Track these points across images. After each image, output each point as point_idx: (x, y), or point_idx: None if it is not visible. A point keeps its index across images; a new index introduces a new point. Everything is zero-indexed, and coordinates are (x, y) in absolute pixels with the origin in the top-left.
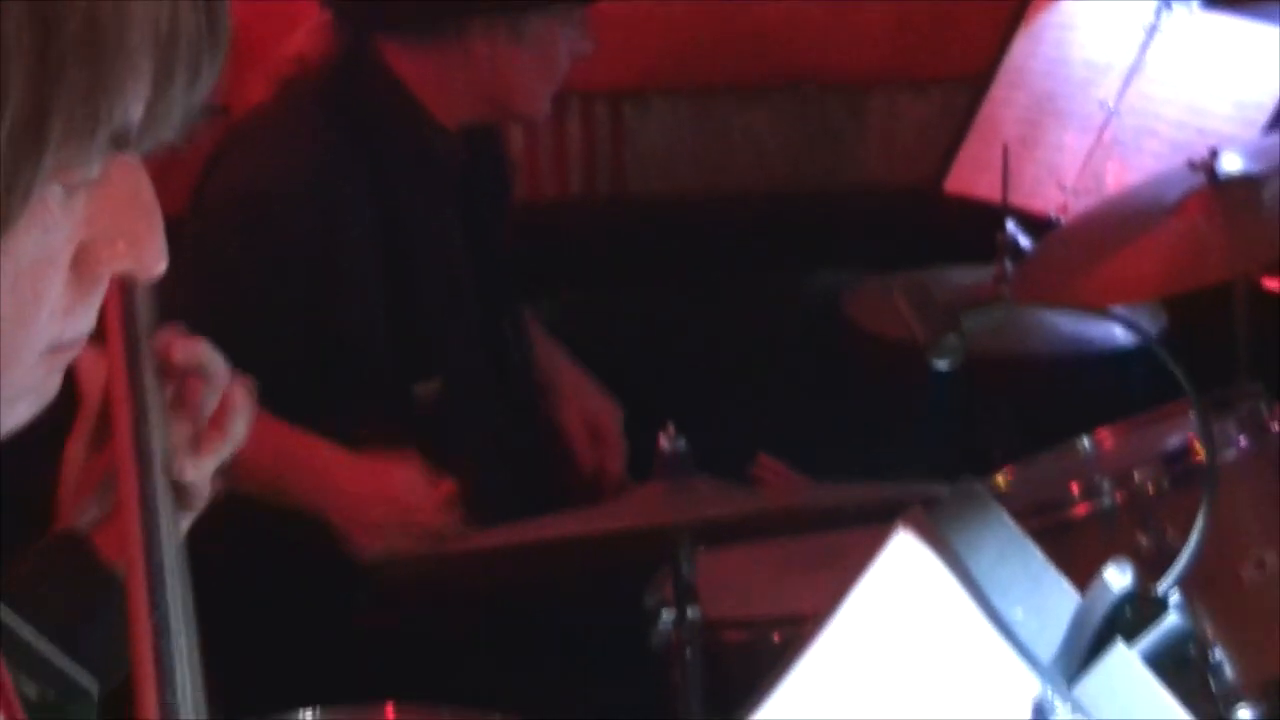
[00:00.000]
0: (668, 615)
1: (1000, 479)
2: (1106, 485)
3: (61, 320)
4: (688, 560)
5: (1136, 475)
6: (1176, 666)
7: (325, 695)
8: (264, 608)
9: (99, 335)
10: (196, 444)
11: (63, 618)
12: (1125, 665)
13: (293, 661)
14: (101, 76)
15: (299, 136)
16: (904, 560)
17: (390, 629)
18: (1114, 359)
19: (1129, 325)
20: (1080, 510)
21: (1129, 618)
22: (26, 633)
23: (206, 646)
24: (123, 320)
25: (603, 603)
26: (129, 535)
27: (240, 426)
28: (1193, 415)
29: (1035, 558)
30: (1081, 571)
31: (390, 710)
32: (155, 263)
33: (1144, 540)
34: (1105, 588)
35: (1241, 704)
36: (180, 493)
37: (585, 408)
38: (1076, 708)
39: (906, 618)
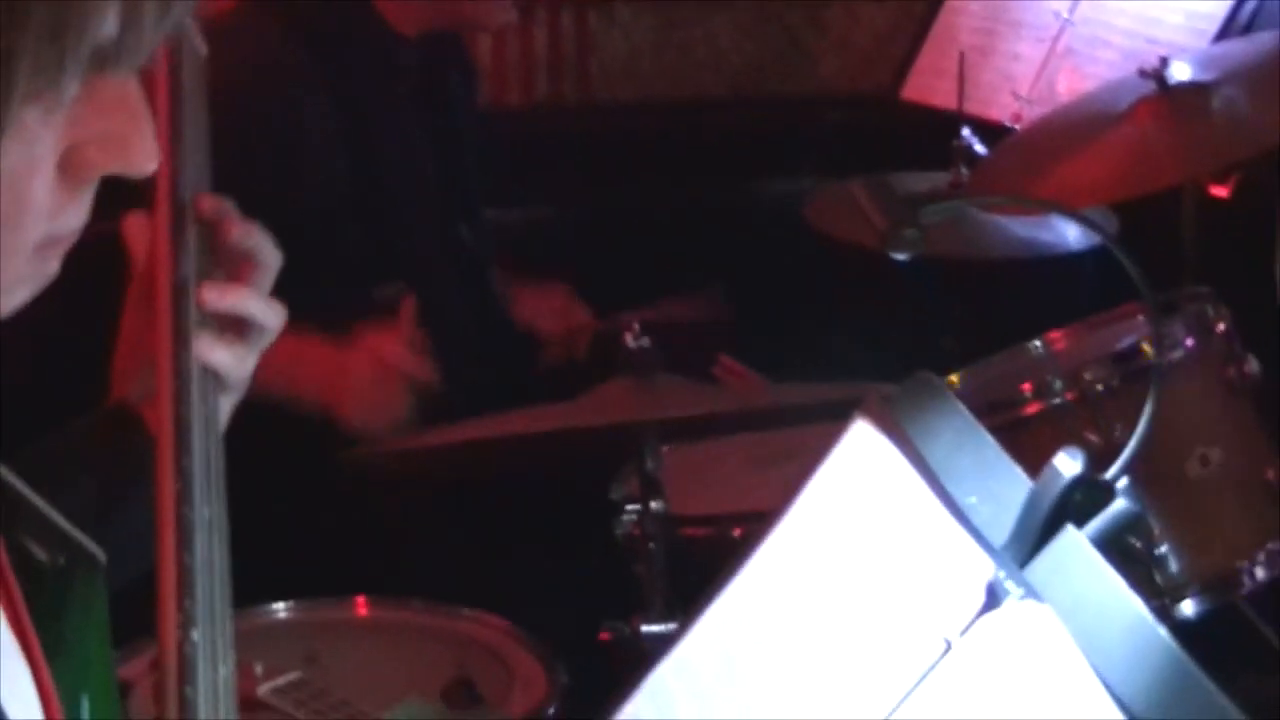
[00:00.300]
0: (633, 509)
1: (953, 379)
2: (1058, 385)
3: (52, 219)
4: (653, 456)
5: (1087, 374)
6: (1124, 557)
7: (299, 589)
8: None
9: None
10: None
11: (105, 486)
12: (1075, 548)
13: (268, 556)
14: (64, 15)
15: (261, 41)
16: (861, 450)
17: (363, 524)
18: (1065, 262)
19: (1087, 223)
20: (1032, 409)
21: (1079, 502)
22: (36, 499)
23: None
24: (170, 190)
25: (570, 496)
26: (161, 405)
27: (278, 318)
28: (1141, 317)
29: (989, 446)
30: (1034, 469)
31: (362, 603)
32: (144, 163)
33: (1094, 437)
34: (1056, 474)
35: (1186, 597)
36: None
37: (548, 296)
38: (1028, 590)
39: (863, 507)
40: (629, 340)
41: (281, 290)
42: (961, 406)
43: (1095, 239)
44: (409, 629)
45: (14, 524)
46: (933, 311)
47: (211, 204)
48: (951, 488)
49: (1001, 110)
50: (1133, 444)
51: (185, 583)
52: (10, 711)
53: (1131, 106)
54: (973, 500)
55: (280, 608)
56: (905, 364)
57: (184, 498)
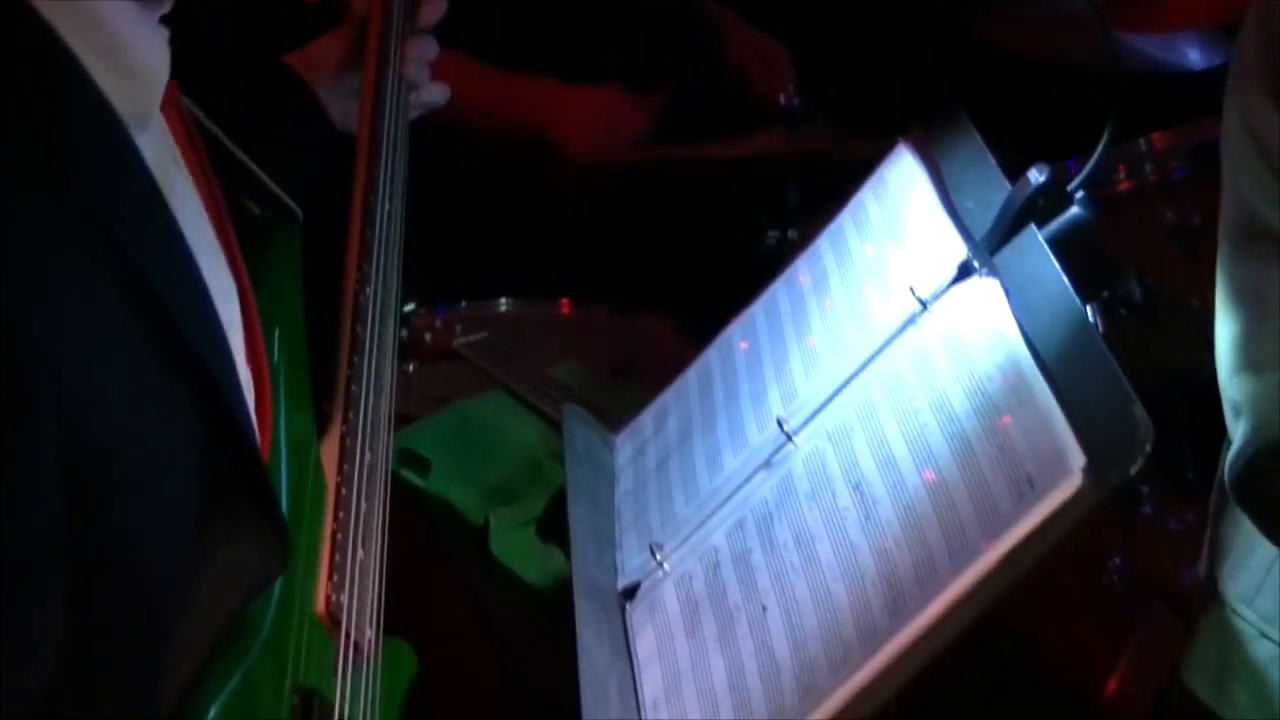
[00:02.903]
0: (774, 233)
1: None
2: (1147, 168)
3: None
4: (794, 190)
5: (1171, 163)
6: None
7: (509, 289)
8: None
9: None
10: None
11: (285, 151)
12: (1033, 243)
13: (483, 259)
14: None
15: None
16: (899, 169)
17: (564, 234)
18: (1188, 79)
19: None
20: (1124, 186)
21: (1041, 206)
22: (249, 161)
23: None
24: None
25: (725, 219)
26: (363, 105)
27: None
28: None
29: (992, 168)
30: (1119, 238)
31: (565, 303)
32: None
33: (1169, 213)
34: (1027, 182)
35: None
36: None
37: (755, 43)
38: (990, 269)
39: (889, 209)
40: (782, 99)
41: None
42: (976, 136)
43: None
44: (598, 324)
45: (231, 182)
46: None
47: None
48: (957, 197)
49: None
50: (1093, 160)
51: (364, 252)
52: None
53: None
54: (970, 204)
55: (504, 301)
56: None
57: (370, 189)
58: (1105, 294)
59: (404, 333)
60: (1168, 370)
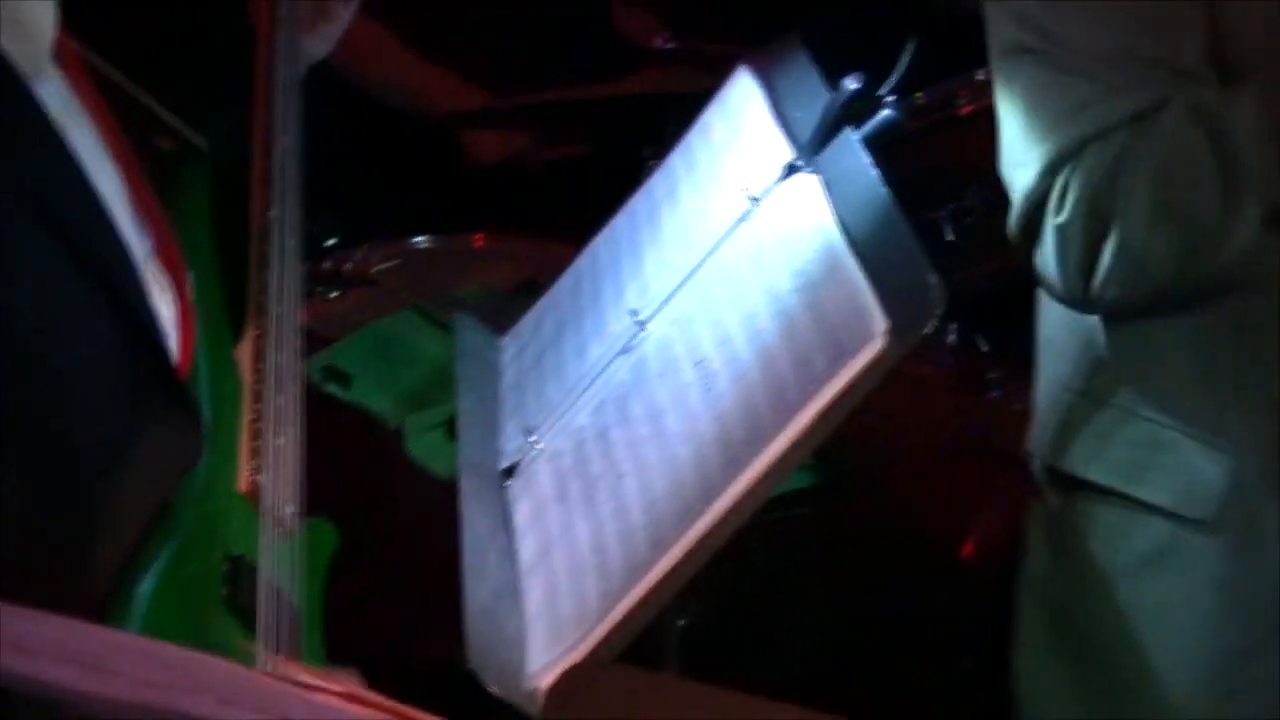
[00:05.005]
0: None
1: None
2: (988, 93)
3: None
4: (674, 122)
5: None
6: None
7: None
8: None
9: None
10: None
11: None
12: (850, 144)
13: (406, 200)
14: None
15: None
16: (740, 90)
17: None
18: None
19: None
20: (966, 110)
21: (855, 110)
22: (149, 99)
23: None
24: None
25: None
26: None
27: None
28: None
29: (816, 81)
30: (967, 156)
31: (479, 237)
32: None
33: None
34: (842, 89)
35: None
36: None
37: None
38: (813, 167)
39: (729, 126)
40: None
41: None
42: (805, 56)
43: None
44: (505, 252)
45: (134, 120)
46: None
47: None
48: (788, 109)
49: None
50: (899, 68)
51: (266, 180)
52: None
53: None
54: (798, 115)
55: (421, 239)
56: None
57: (269, 126)
58: (953, 205)
59: (328, 264)
60: (1008, 270)
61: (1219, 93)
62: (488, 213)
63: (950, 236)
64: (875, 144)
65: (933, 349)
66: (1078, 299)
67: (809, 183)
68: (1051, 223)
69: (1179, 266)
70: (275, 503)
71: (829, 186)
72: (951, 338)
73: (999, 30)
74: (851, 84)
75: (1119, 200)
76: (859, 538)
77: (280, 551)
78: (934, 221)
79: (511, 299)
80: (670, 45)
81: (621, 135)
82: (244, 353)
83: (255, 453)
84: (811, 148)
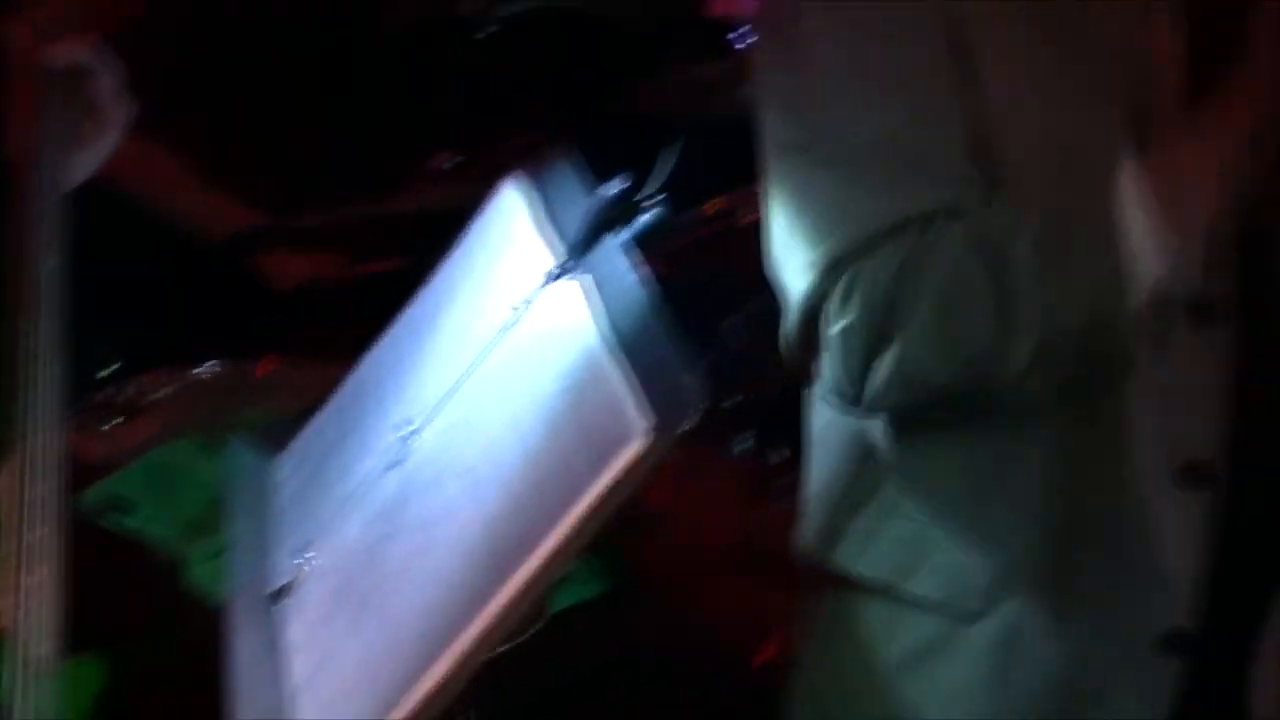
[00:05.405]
0: None
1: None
2: None
3: None
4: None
5: None
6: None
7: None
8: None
9: None
10: None
11: None
12: (613, 249)
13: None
14: None
15: None
16: (506, 201)
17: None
18: None
19: None
20: (750, 219)
21: (618, 214)
22: None
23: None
24: None
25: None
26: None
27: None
28: None
29: (580, 189)
30: (752, 269)
31: (263, 363)
32: None
33: None
34: (600, 196)
35: None
36: None
37: None
38: (578, 271)
39: (501, 241)
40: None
41: None
42: (569, 166)
43: None
44: (288, 377)
45: None
46: None
47: None
48: (555, 217)
49: None
50: (660, 171)
51: (29, 306)
52: None
53: None
54: (566, 221)
55: (204, 367)
56: None
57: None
58: (743, 313)
59: (108, 392)
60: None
61: (989, 200)
62: (282, 336)
63: (740, 345)
64: (647, 247)
65: (724, 459)
66: (851, 404)
67: (572, 287)
68: (833, 326)
69: (951, 381)
70: (28, 642)
71: (591, 290)
72: (745, 446)
73: (769, 130)
74: (612, 188)
75: (901, 311)
76: (651, 647)
77: (36, 693)
78: (724, 330)
79: (299, 423)
80: (453, 163)
81: (417, 250)
82: (2, 486)
83: (7, 589)
84: (575, 253)
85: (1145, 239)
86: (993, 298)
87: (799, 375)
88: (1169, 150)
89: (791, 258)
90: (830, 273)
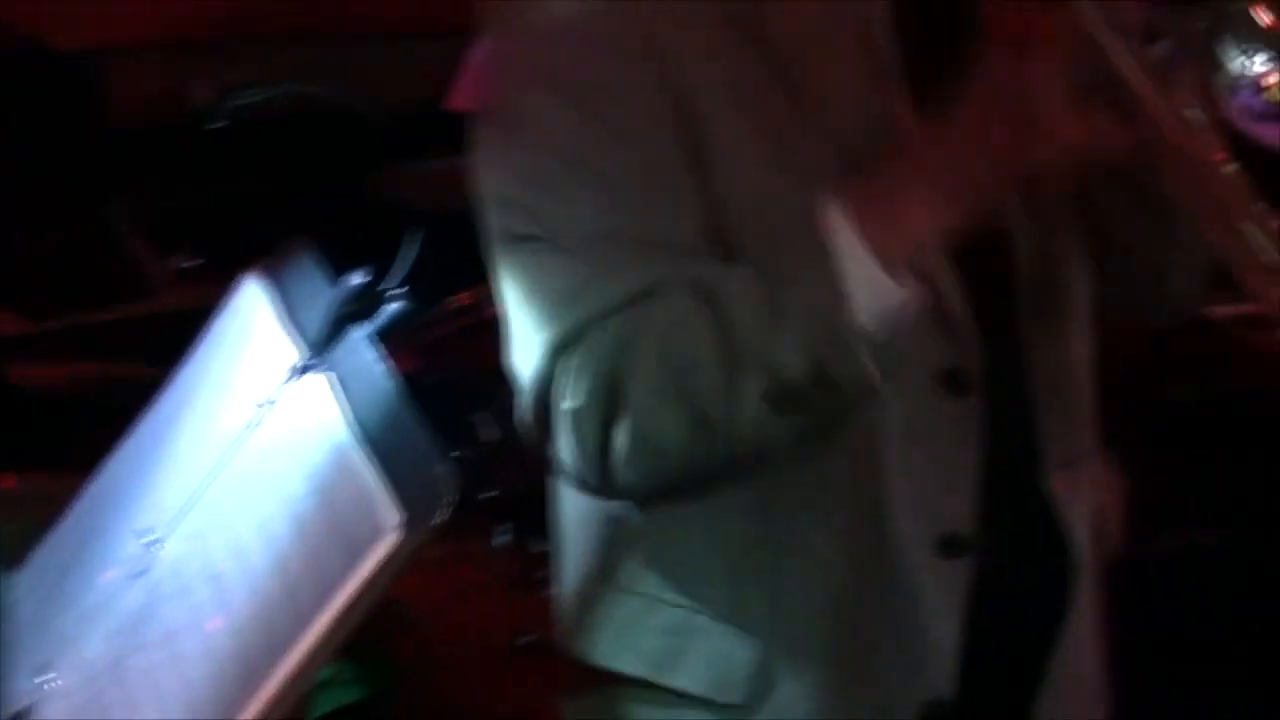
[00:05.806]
0: None
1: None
2: None
3: None
4: None
5: None
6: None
7: None
8: None
9: None
10: None
11: None
12: (357, 341)
13: None
14: None
15: None
16: (246, 297)
17: None
18: None
19: None
20: (490, 312)
21: (360, 307)
22: None
23: None
24: None
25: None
26: None
27: None
28: None
29: (322, 282)
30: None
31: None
32: None
33: None
34: (341, 287)
35: None
36: None
37: None
38: (322, 367)
39: (244, 340)
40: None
41: None
42: (308, 259)
43: None
44: (44, 494)
45: None
46: None
47: None
48: (297, 312)
49: None
50: (400, 263)
51: None
52: None
53: None
54: (309, 316)
55: None
56: None
57: None
58: (492, 406)
59: None
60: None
61: (718, 269)
62: (24, 447)
63: (491, 436)
64: (393, 340)
65: (485, 552)
66: (596, 485)
67: (317, 382)
68: (562, 408)
69: (690, 446)
70: None
71: (337, 384)
72: (505, 539)
73: (492, 221)
74: (352, 280)
75: (626, 382)
76: None
77: None
78: (474, 423)
79: (37, 537)
80: (193, 263)
81: (162, 353)
82: None
83: None
84: (318, 347)
85: (855, 267)
86: (717, 344)
87: (545, 463)
88: (876, 181)
89: (523, 344)
90: (558, 354)
